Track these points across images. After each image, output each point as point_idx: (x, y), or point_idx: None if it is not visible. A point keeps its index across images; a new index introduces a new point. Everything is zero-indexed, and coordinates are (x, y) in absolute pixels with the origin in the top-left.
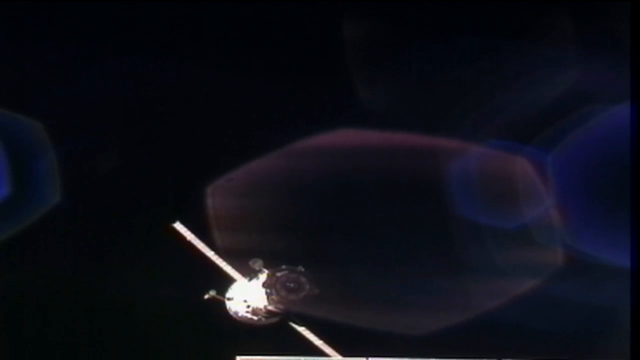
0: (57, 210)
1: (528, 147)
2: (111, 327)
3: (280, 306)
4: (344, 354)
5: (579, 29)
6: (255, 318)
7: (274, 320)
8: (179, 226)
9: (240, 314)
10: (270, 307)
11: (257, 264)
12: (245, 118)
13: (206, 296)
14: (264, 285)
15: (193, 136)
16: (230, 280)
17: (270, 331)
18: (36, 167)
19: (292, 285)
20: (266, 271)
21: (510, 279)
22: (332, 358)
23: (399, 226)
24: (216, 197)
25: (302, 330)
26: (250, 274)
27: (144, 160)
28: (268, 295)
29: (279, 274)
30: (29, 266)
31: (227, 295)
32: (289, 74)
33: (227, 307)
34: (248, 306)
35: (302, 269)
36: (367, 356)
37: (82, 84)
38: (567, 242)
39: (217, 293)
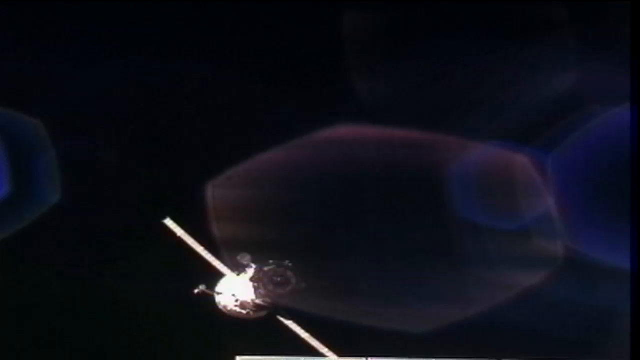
0: (56, 208)
1: (528, 148)
2: (111, 327)
3: (268, 300)
4: (342, 353)
5: (579, 29)
6: (243, 312)
7: (262, 313)
8: (169, 222)
9: (229, 308)
10: (258, 301)
11: (245, 259)
12: (244, 116)
13: (196, 291)
14: (252, 279)
15: (192, 135)
16: (219, 275)
17: (269, 331)
18: (36, 166)
19: (279, 279)
20: (254, 266)
21: (509, 279)
22: (332, 358)
23: (397, 224)
24: (210, 193)
25: (300, 330)
26: (239, 268)
27: (142, 158)
28: (256, 289)
29: (266, 269)
30: (29, 264)
31: (217, 289)
32: (289, 72)
33: (217, 301)
34: (237, 300)
35: (289, 264)
36: (366, 356)
37: (82, 83)
38: (568, 243)
39: (207, 288)
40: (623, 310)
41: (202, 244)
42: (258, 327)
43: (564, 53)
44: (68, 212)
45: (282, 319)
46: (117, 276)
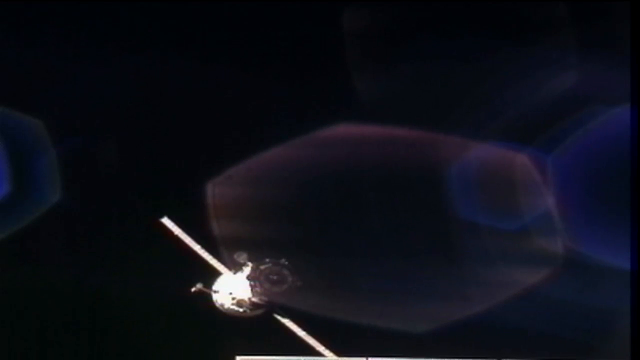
0: (56, 208)
1: (528, 148)
2: (110, 327)
3: (264, 298)
4: (342, 353)
5: (579, 29)
6: (240, 310)
7: (258, 312)
8: (166, 221)
9: (226, 306)
10: (254, 299)
11: (241, 257)
12: (244, 115)
13: (193, 289)
14: (249, 278)
15: (191, 134)
16: (216, 274)
17: (269, 331)
18: (36, 166)
19: (275, 277)
20: (250, 264)
21: (509, 279)
22: (332, 358)
23: (396, 223)
24: (208, 191)
25: (300, 330)
26: (236, 267)
27: (140, 158)
28: (252, 287)
29: (262, 267)
30: (28, 264)
31: (214, 288)
32: (289, 70)
33: (214, 299)
34: (233, 298)
35: (286, 262)
36: (366, 356)
37: (82, 83)
38: (568, 243)
39: (204, 286)
40: (623, 310)
41: (199, 242)
42: (258, 327)
43: (564, 53)
44: (67, 212)
45: (278, 317)
46: (115, 275)
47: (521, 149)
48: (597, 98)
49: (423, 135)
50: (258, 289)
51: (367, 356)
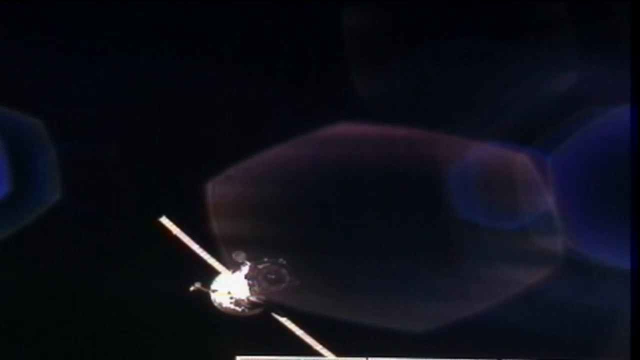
0: (56, 208)
1: (528, 148)
2: (110, 327)
3: (262, 297)
4: (342, 353)
5: (579, 29)
6: (238, 309)
7: (256, 311)
8: (165, 221)
9: (224, 305)
10: (252, 298)
11: (240, 256)
12: (244, 115)
13: (191, 288)
14: (247, 277)
15: (190, 133)
16: (214, 273)
17: (270, 331)
18: (36, 166)
19: (273, 277)
20: (249, 263)
21: (510, 280)
22: (332, 358)
23: (396, 223)
24: (207, 191)
25: (300, 330)
26: (234, 266)
27: (139, 157)
28: (250, 286)
29: (260, 266)
30: (28, 264)
31: (212, 287)
32: (289, 70)
33: (212, 298)
34: (231, 297)
35: (284, 262)
36: (366, 356)
37: (82, 83)
38: (568, 243)
39: (202, 285)
40: (623, 310)
41: (197, 241)
42: (258, 327)
43: (564, 53)
44: (67, 212)
45: (276, 316)
46: (114, 275)
47: (521, 149)
48: (597, 98)
49: (423, 135)
50: (256, 288)
51: (367, 356)
